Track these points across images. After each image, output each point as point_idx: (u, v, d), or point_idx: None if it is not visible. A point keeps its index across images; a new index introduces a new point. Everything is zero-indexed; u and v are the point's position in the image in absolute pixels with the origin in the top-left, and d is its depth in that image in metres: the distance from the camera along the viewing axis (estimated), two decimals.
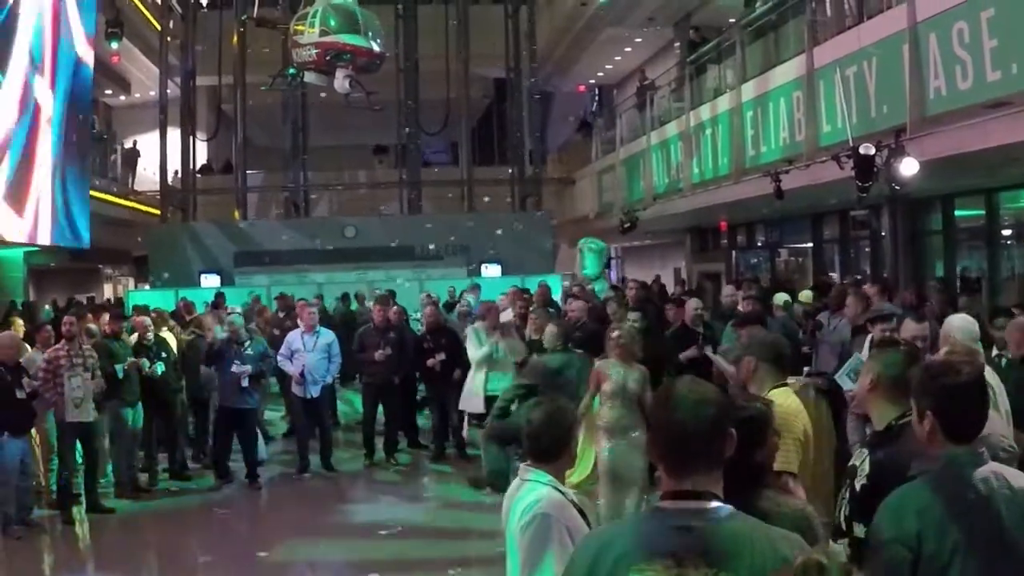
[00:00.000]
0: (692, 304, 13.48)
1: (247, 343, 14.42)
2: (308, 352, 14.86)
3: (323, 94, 24.99)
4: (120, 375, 13.24)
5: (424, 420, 16.87)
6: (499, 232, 29.25)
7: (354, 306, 23.28)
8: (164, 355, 14.17)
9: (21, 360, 12.42)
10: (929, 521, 3.75)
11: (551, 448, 4.83)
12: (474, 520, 11.99)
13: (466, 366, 15.06)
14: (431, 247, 29.38)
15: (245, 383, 14.10)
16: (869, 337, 9.64)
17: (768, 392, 5.82)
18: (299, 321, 15.70)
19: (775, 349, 6.19)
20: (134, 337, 14.31)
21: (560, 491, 4.75)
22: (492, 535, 7.63)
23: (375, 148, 39.89)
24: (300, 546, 11.52)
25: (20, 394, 11.68)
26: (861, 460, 4.67)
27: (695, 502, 3.14)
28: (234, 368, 14.01)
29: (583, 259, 22.84)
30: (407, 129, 32.97)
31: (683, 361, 12.29)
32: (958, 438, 3.92)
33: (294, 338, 15.10)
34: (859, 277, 19.70)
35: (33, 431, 12.52)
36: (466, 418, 15.32)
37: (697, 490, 3.17)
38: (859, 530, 4.43)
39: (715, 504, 3.14)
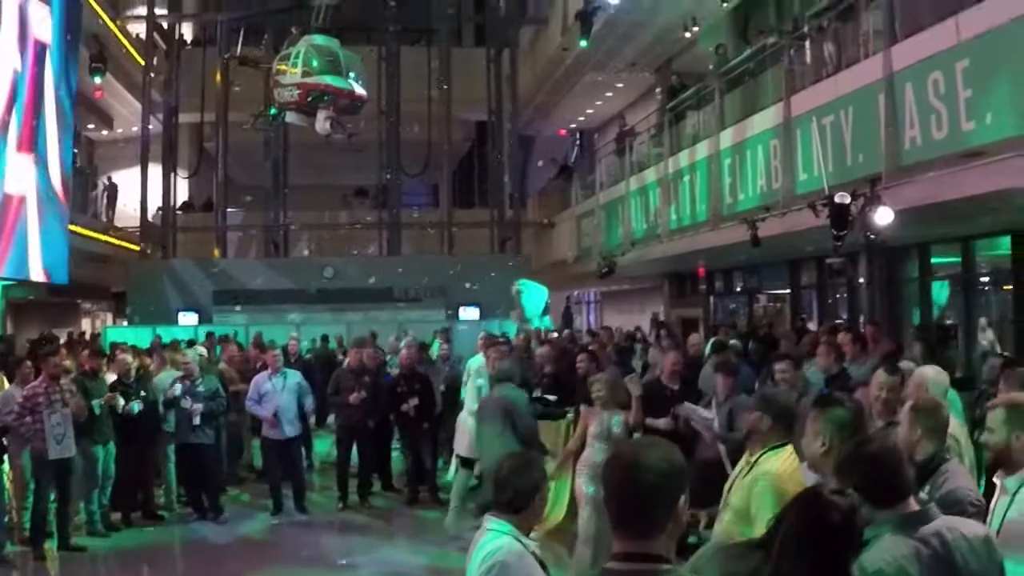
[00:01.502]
0: (671, 359, 12.88)
1: (199, 380, 14.45)
2: (277, 392, 14.80)
3: (304, 134, 25.01)
4: (97, 411, 13.19)
5: (398, 464, 16.82)
6: (490, 270, 29.36)
7: (332, 346, 23.26)
8: (143, 394, 14.11)
9: None
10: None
11: (515, 499, 4.84)
12: (447, 561, 11.98)
13: (437, 411, 15.11)
14: (410, 289, 29.39)
15: (197, 421, 14.12)
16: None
17: (768, 450, 5.87)
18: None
19: (788, 411, 6.17)
20: (110, 377, 14.25)
21: (521, 542, 4.75)
22: None
23: (356, 191, 39.90)
24: None
25: None
26: None
27: (640, 564, 3.13)
28: (183, 404, 14.16)
29: (519, 301, 22.15)
30: (388, 171, 33.03)
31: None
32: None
33: (262, 380, 15.04)
34: (839, 322, 19.67)
35: (6, 467, 12.45)
36: (455, 458, 15.05)
37: (645, 552, 3.15)
38: None
39: (665, 567, 3.13)
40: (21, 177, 21.95)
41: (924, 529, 3.92)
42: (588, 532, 10.13)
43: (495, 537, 4.75)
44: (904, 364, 10.11)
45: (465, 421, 14.03)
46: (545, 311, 22.41)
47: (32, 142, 22.96)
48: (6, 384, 13.30)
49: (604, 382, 10.67)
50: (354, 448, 15.61)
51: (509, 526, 4.79)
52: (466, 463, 13.54)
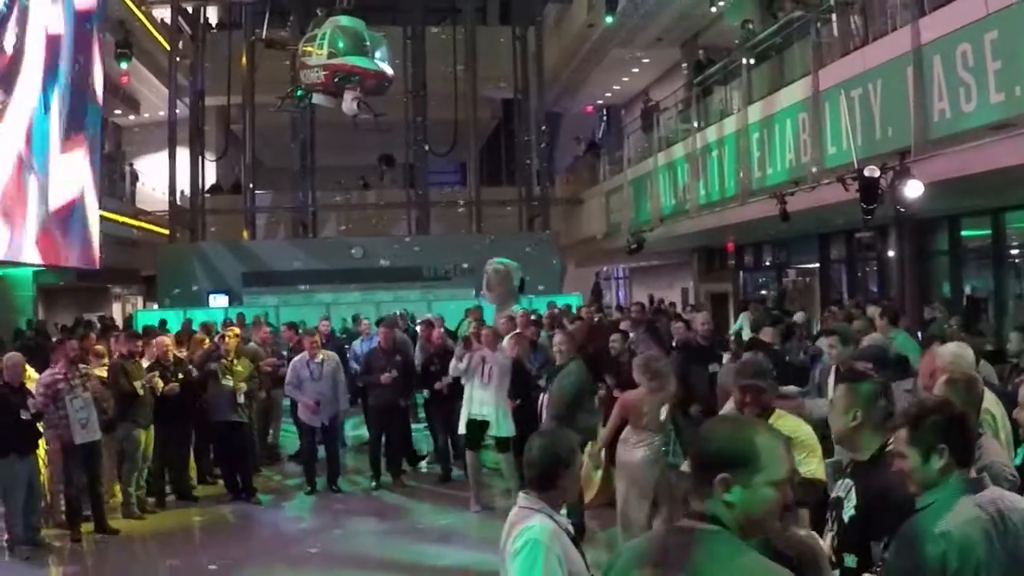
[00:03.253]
0: (700, 319, 13.48)
1: (235, 361, 14.59)
2: (317, 379, 14.84)
3: (331, 115, 25.02)
4: (141, 392, 13.29)
5: (423, 443, 16.87)
6: (520, 247, 29.34)
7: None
8: (180, 376, 14.19)
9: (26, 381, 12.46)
10: (952, 544, 3.79)
11: (545, 477, 4.85)
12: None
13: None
14: (439, 268, 29.41)
15: (241, 399, 14.28)
16: (834, 367, 9.71)
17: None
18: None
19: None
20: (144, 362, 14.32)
21: (554, 519, 4.77)
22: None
23: (380, 157, 39.79)
24: (308, 568, 11.52)
25: (24, 415, 11.70)
26: (847, 491, 4.69)
27: (698, 522, 3.18)
28: (225, 381, 14.28)
29: (507, 280, 21.56)
30: (415, 150, 33.07)
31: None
32: (965, 464, 4.04)
33: (300, 365, 15.07)
34: (871, 298, 19.61)
35: (42, 451, 12.55)
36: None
37: (701, 511, 3.21)
38: (850, 560, 4.47)
39: (715, 527, 3.17)
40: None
41: (982, 496, 3.95)
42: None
43: (528, 515, 4.78)
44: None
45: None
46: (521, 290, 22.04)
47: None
48: (29, 370, 13.33)
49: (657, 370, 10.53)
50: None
51: (541, 503, 4.81)
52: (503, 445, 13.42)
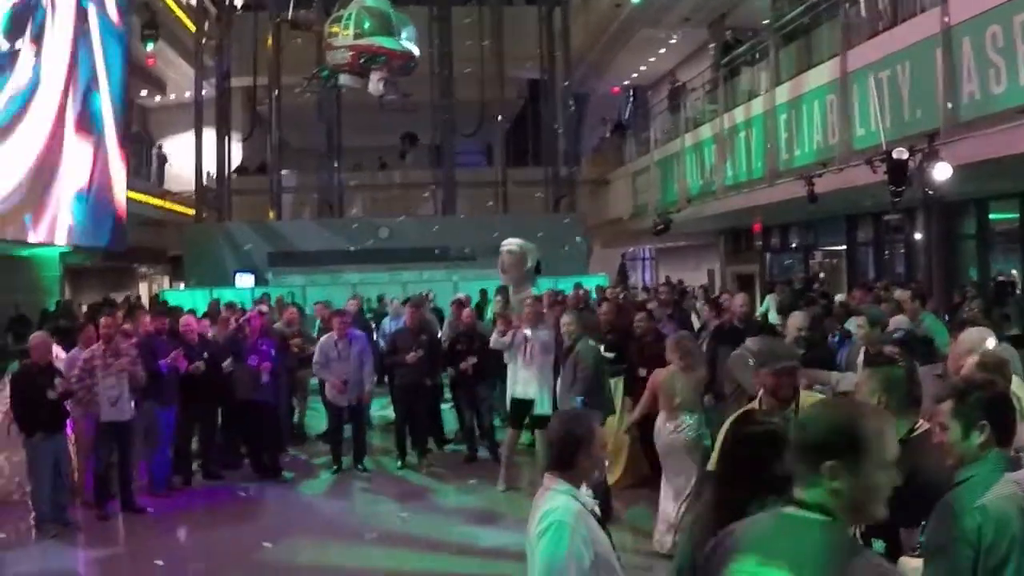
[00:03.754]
0: (739, 300, 13.40)
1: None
2: (344, 359, 14.86)
3: (358, 95, 25.01)
4: (164, 370, 13.34)
5: (451, 422, 16.88)
6: (540, 234, 29.32)
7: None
8: (205, 355, 14.23)
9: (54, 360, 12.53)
10: (988, 518, 3.81)
11: (564, 457, 4.85)
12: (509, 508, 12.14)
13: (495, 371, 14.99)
14: (465, 248, 29.41)
15: (266, 378, 14.33)
16: (863, 348, 9.69)
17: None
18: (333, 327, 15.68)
19: None
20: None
21: (578, 500, 4.77)
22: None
23: (404, 136, 39.74)
24: (331, 545, 11.54)
25: (51, 394, 11.76)
26: None
27: (805, 510, 3.18)
28: (250, 361, 14.33)
29: (524, 263, 21.08)
30: (441, 130, 33.07)
31: None
32: (1005, 443, 4.09)
33: (328, 345, 15.10)
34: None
35: (69, 431, 12.62)
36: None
37: (798, 499, 3.21)
38: (878, 546, 4.46)
39: (823, 517, 3.15)
40: None
41: (1019, 473, 3.96)
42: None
43: (554, 496, 4.77)
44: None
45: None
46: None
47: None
48: (56, 349, 13.38)
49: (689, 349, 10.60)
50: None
51: (566, 484, 4.80)
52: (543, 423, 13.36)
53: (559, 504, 4.70)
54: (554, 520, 4.63)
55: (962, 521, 3.83)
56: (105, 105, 26.17)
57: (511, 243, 20.62)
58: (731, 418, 5.24)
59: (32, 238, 22.65)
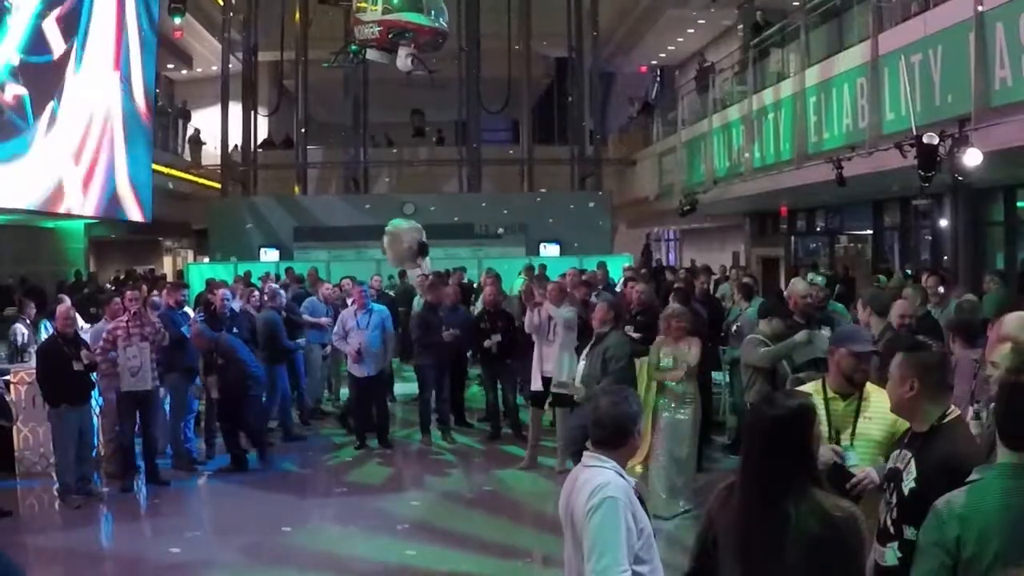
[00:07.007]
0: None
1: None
2: (362, 330, 14.86)
3: (384, 71, 24.96)
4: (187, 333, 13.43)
5: (477, 400, 16.88)
6: (569, 209, 29.27)
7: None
8: (236, 330, 14.26)
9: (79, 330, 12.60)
10: (971, 528, 3.71)
11: (614, 435, 4.85)
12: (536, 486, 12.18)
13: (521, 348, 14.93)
14: (491, 225, 29.39)
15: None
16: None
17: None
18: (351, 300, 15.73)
19: None
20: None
21: (624, 477, 4.78)
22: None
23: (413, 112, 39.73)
24: (352, 519, 11.56)
25: (77, 366, 11.82)
26: (905, 463, 4.63)
27: None
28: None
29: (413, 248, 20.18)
30: (468, 106, 33.02)
31: None
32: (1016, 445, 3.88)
33: (347, 316, 15.12)
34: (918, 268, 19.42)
35: (94, 403, 12.68)
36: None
37: None
38: (909, 533, 4.40)
39: None
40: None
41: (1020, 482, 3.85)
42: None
43: (600, 472, 4.77)
44: None
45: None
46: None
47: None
48: (80, 321, 13.44)
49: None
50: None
51: (612, 462, 4.81)
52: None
53: (609, 479, 4.72)
54: (607, 496, 4.65)
55: (946, 527, 3.76)
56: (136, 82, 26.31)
57: (388, 227, 20.48)
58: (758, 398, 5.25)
59: (78, 211, 22.95)
